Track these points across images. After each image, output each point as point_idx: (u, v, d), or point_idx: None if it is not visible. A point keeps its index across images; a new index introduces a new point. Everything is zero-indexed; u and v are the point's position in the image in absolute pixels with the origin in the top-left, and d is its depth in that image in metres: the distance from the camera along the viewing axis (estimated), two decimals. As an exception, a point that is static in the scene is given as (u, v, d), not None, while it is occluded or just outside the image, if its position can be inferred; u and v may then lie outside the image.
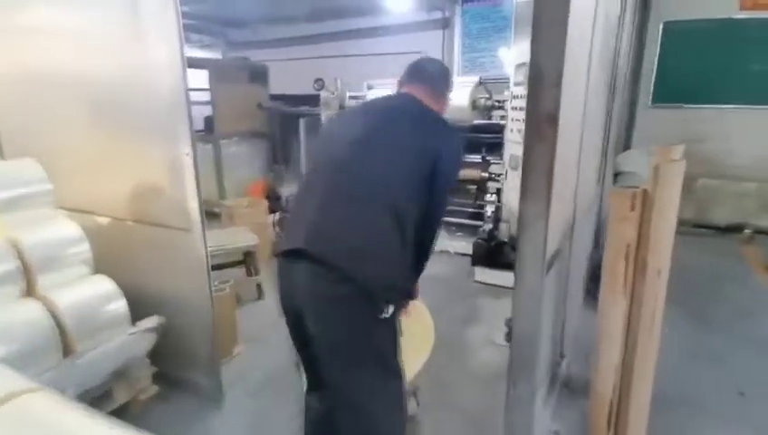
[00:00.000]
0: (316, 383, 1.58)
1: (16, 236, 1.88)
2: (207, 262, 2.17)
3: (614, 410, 1.83)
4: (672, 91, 5.28)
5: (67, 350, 1.83)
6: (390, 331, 1.41)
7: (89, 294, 1.98)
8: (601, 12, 2.26)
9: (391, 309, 1.36)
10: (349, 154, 1.43)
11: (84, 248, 2.06)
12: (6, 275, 1.81)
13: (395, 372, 1.43)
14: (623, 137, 5.59)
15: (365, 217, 1.34)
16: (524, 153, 1.39)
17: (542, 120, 1.35)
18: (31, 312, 1.79)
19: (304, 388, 1.70)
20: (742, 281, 3.79)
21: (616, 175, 5.04)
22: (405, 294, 1.46)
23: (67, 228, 2.05)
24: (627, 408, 1.81)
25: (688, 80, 5.18)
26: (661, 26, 5.17)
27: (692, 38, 5.07)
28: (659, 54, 5.24)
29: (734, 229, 5.05)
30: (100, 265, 2.17)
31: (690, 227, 5.18)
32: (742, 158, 5.12)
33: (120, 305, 2.05)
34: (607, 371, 1.78)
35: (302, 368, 1.67)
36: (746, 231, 4.95)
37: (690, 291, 3.59)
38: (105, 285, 2.05)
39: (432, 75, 1.72)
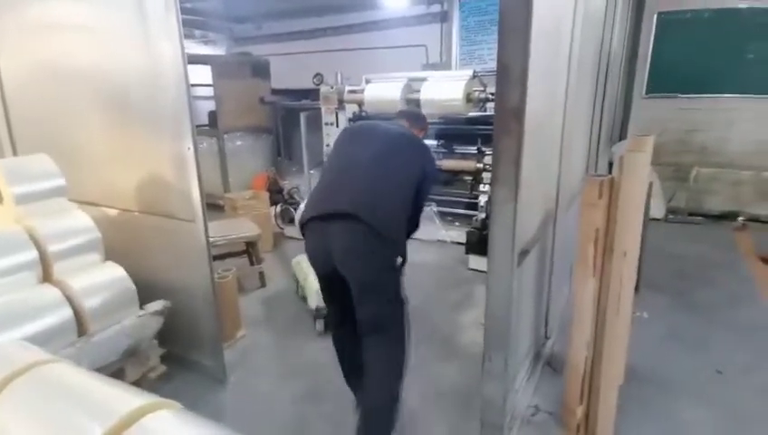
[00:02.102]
0: (344, 319, 2.10)
1: (33, 227, 2.04)
2: (209, 250, 2.32)
3: (586, 384, 1.97)
4: (667, 80, 5.34)
5: (81, 330, 2.00)
6: (399, 275, 1.99)
7: (100, 279, 2.14)
8: (581, 6, 2.36)
9: (400, 260, 1.95)
10: (378, 155, 2.01)
11: (95, 237, 2.22)
12: (25, 262, 1.98)
13: (403, 301, 2.00)
14: (619, 127, 5.68)
15: (389, 198, 1.92)
16: (493, 145, 1.53)
17: (508, 115, 1.48)
18: (48, 296, 1.96)
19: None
20: (731, 268, 3.89)
21: (611, 164, 5.15)
22: (404, 253, 2.01)
23: (79, 219, 2.21)
24: (598, 382, 1.94)
25: (683, 70, 5.25)
26: (655, 17, 5.23)
27: (686, 28, 5.13)
28: (653, 45, 5.31)
29: (728, 217, 5.13)
30: (110, 253, 2.33)
31: (684, 216, 5.27)
32: (737, 146, 5.19)
33: (129, 290, 2.21)
34: (579, 346, 1.91)
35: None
36: (740, 219, 5.03)
37: (678, 278, 3.70)
38: (115, 271, 2.21)
39: (412, 116, 2.46)
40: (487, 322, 1.71)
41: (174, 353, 2.51)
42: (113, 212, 2.60)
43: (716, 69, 5.11)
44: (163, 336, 2.40)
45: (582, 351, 1.90)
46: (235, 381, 2.54)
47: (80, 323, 1.99)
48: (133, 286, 2.22)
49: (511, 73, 1.45)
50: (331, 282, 2.02)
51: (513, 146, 1.48)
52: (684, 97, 5.31)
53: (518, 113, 1.46)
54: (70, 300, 1.98)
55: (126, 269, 2.27)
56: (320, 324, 2.99)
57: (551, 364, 2.58)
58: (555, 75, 2.15)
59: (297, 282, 3.51)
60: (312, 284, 3.05)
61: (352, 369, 2.15)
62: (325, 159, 4.93)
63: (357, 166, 1.99)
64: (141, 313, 2.19)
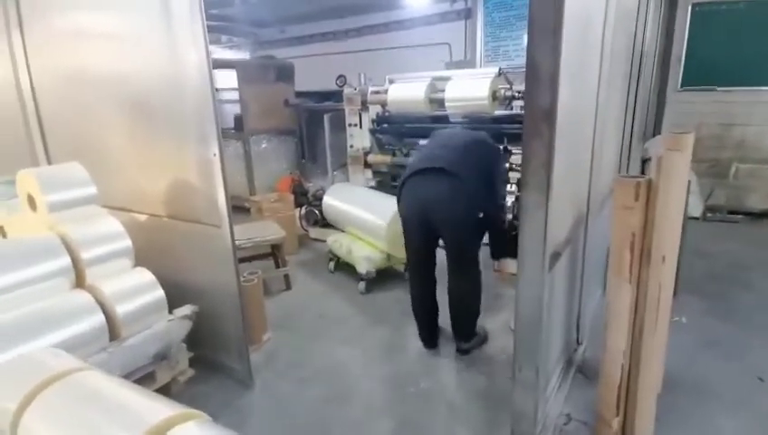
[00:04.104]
0: (423, 268, 2.75)
1: (66, 233, 2.09)
2: (235, 255, 2.33)
3: (623, 394, 1.89)
4: (702, 73, 5.11)
5: (113, 335, 2.04)
6: (478, 225, 2.61)
7: (131, 285, 2.17)
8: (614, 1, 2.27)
9: (480, 214, 2.57)
10: (465, 143, 2.71)
11: (126, 243, 2.25)
12: (59, 268, 2.03)
13: (479, 244, 2.71)
14: (652, 122, 5.47)
15: (471, 168, 2.54)
16: (523, 148, 1.47)
17: (538, 117, 1.42)
18: (81, 301, 2.00)
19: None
20: (773, 269, 3.70)
21: (644, 161, 4.96)
22: (485, 209, 2.63)
23: (110, 226, 2.25)
24: (635, 392, 1.86)
25: (719, 62, 5.01)
26: (690, 8, 5.01)
27: (722, 19, 4.89)
28: (688, 37, 5.09)
29: (770, 215, 4.89)
30: (139, 258, 2.36)
31: (724, 214, 5.05)
32: (778, 141, 4.93)
33: (159, 295, 2.24)
34: (614, 355, 1.83)
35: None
36: (782, 217, 4.78)
37: (717, 280, 3.54)
38: (145, 276, 2.24)
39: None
40: (517, 331, 1.66)
41: (202, 356, 2.54)
42: (142, 217, 2.65)
43: (755, 60, 4.85)
44: (191, 340, 2.43)
45: (618, 360, 1.83)
46: (261, 384, 2.55)
47: (111, 329, 2.03)
48: (162, 292, 2.25)
49: (541, 72, 1.39)
50: (418, 228, 2.62)
51: (544, 149, 1.43)
52: (721, 90, 5.07)
53: (549, 115, 1.40)
54: (102, 305, 2.02)
55: (154, 273, 2.30)
56: (362, 286, 3.60)
57: (582, 371, 2.50)
58: (587, 71, 2.07)
59: (333, 259, 4.05)
60: (357, 253, 3.66)
61: (423, 305, 2.80)
62: (349, 160, 4.93)
63: (450, 146, 2.68)
64: (171, 317, 2.22)
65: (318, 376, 2.61)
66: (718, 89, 5.08)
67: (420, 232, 2.64)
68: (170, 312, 2.27)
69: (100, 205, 2.39)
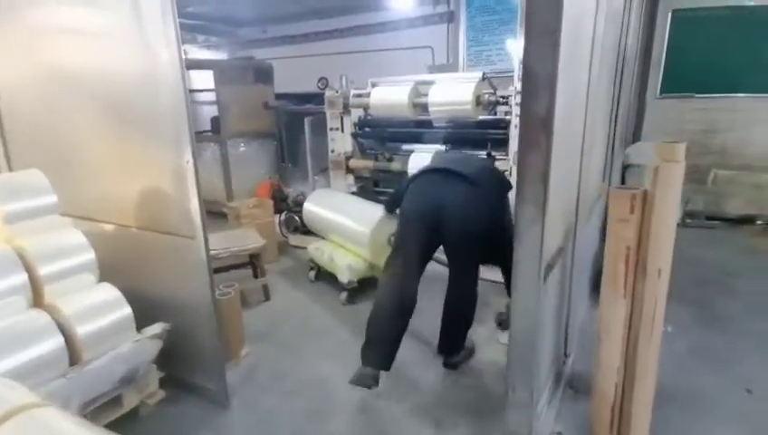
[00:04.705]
0: (415, 270, 2.50)
1: (23, 247, 1.92)
2: (210, 268, 2.19)
3: (616, 411, 1.82)
4: (682, 80, 5.17)
5: (74, 358, 1.87)
6: (483, 240, 2.52)
7: (94, 302, 2.01)
8: (604, 5, 2.22)
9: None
10: (478, 168, 2.64)
11: (89, 257, 2.09)
12: (15, 286, 1.86)
13: (479, 258, 2.64)
14: (632, 128, 5.51)
15: (485, 192, 2.49)
16: (518, 160, 1.38)
17: (535, 127, 1.34)
18: (39, 322, 1.83)
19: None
20: (753, 276, 3.72)
21: (625, 168, 4.98)
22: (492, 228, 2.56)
23: (72, 238, 2.08)
24: (629, 408, 1.80)
25: (699, 69, 5.08)
26: (670, 15, 5.06)
27: (702, 26, 4.96)
28: (668, 43, 5.14)
29: (747, 221, 4.95)
30: (106, 271, 2.20)
31: (702, 220, 5.10)
32: (756, 148, 5.01)
33: (125, 313, 2.08)
34: (608, 372, 1.77)
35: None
36: (758, 223, 4.85)
37: (698, 287, 3.54)
38: (110, 292, 2.08)
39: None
40: (511, 350, 1.57)
41: (174, 376, 2.39)
42: (110, 227, 2.48)
43: (734, 68, 4.93)
44: (162, 358, 2.27)
45: (612, 378, 1.76)
46: (239, 402, 2.41)
47: (72, 351, 1.86)
48: (129, 309, 2.09)
49: (538, 80, 1.31)
50: (423, 228, 2.45)
51: (541, 161, 1.35)
52: (700, 97, 5.13)
53: (546, 125, 1.32)
54: (61, 326, 1.86)
55: (122, 288, 2.15)
56: (344, 296, 3.48)
57: (572, 385, 2.43)
58: (578, 74, 2.01)
59: (314, 268, 3.92)
60: (339, 262, 3.52)
61: (398, 297, 2.45)
62: (331, 164, 4.81)
63: (469, 163, 2.70)
64: (138, 337, 2.06)
65: (298, 391, 2.49)
66: (697, 96, 5.14)
67: (423, 233, 2.46)
68: (139, 330, 2.11)
69: (63, 214, 2.22)
